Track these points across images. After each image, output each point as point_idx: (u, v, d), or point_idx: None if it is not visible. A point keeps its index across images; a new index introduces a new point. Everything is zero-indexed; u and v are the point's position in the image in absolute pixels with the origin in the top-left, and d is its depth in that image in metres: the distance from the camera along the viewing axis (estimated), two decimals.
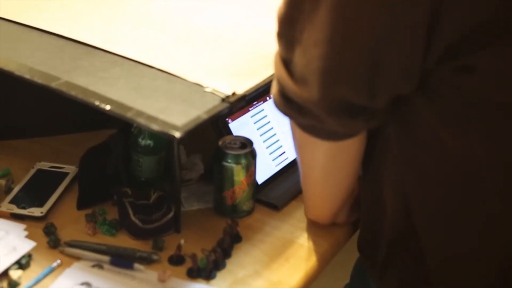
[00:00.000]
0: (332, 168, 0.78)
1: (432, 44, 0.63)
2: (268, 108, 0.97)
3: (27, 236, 0.82)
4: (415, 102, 0.69)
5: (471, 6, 0.61)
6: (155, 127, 0.75)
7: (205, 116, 0.77)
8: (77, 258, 0.80)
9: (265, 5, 1.07)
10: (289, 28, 0.69)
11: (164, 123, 0.75)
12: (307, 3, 0.66)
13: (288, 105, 0.71)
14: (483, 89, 0.66)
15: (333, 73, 0.66)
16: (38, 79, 0.82)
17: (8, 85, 0.95)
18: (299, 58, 0.68)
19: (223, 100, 0.80)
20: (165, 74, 0.85)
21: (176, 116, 0.76)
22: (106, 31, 0.95)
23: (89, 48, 0.91)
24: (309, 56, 0.67)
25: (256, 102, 0.97)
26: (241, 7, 1.07)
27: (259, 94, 0.89)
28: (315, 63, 0.66)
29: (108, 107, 0.77)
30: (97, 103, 0.78)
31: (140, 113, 0.76)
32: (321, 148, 0.75)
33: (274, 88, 0.74)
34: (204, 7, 1.06)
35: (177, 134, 0.73)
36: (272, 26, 0.99)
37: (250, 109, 0.96)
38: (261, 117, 0.97)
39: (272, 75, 0.86)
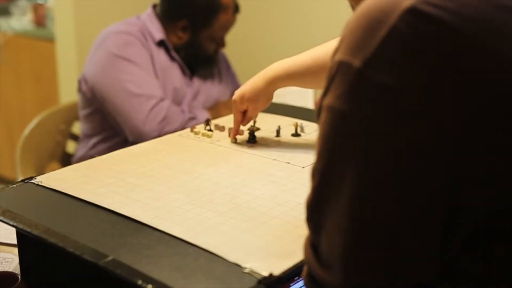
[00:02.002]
0: None
1: (451, 234, 0.66)
2: None
3: None
4: None
5: (488, 201, 0.64)
6: None
7: None
8: None
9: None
10: (316, 214, 0.73)
11: None
12: (331, 192, 0.70)
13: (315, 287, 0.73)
14: (502, 277, 0.67)
15: (354, 260, 0.68)
16: (88, 257, 0.87)
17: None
18: (324, 243, 0.72)
19: (260, 281, 0.82)
20: (207, 253, 0.89)
21: None
22: (156, 207, 1.01)
23: (138, 225, 0.96)
24: (332, 242, 0.70)
25: (297, 278, 0.99)
26: (288, 182, 1.12)
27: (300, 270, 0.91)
28: (337, 249, 0.69)
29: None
30: (139, 282, 0.81)
31: None
32: None
33: (304, 270, 0.76)
34: (251, 182, 1.12)
35: None
36: None
37: (291, 284, 0.98)
38: None
39: None
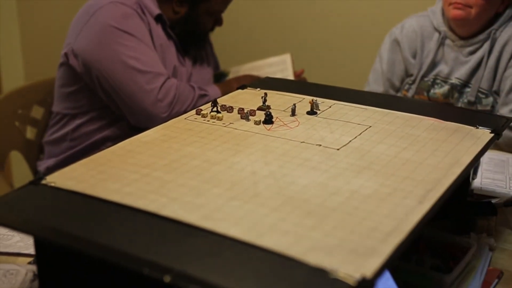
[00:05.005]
0: None
1: None
2: None
3: None
4: None
5: None
6: None
7: None
8: None
9: (356, 167, 1.03)
10: None
11: None
12: None
13: None
14: None
15: None
16: (148, 272, 0.75)
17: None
18: None
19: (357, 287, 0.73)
20: (277, 256, 0.79)
21: None
22: (200, 206, 0.90)
23: (186, 228, 0.85)
24: None
25: None
26: (328, 167, 1.03)
27: None
28: None
29: None
30: None
31: None
32: None
33: None
34: (290, 169, 1.02)
35: None
36: (368, 190, 0.95)
37: None
38: None
39: (393, 250, 0.81)
